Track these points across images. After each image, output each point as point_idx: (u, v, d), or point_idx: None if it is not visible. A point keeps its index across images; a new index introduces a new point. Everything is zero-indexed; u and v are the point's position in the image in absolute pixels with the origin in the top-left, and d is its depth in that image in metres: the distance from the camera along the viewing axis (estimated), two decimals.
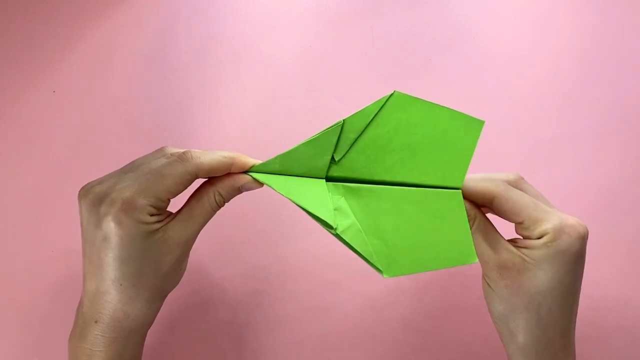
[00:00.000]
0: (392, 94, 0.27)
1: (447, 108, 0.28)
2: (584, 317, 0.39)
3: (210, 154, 0.28)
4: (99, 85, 0.45)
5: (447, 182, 0.29)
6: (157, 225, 0.27)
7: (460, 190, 0.29)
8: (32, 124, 0.44)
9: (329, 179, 0.29)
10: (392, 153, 0.28)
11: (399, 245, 0.28)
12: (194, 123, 0.44)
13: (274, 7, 0.47)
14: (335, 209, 0.28)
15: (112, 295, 0.27)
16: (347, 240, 0.27)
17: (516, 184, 0.30)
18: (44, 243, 0.41)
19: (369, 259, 0.27)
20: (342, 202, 0.28)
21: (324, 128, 0.27)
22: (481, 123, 0.28)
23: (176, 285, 0.30)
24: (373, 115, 0.27)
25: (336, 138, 0.27)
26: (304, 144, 0.28)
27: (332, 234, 0.27)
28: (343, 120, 0.27)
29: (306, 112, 0.44)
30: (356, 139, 0.28)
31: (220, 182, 0.29)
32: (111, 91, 0.45)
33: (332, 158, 0.28)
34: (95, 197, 0.27)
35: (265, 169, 0.28)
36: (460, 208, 0.28)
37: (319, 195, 0.28)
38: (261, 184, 0.29)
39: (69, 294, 0.40)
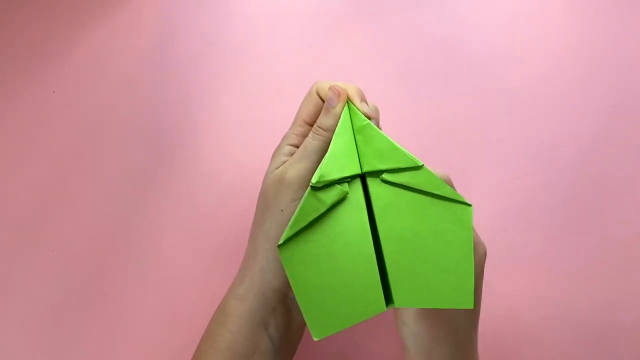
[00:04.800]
0: (469, 206, 0.26)
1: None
2: (580, 317, 0.39)
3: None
4: (99, 85, 0.45)
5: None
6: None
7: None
8: (32, 124, 0.44)
9: (363, 175, 0.27)
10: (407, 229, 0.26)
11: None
12: (194, 123, 0.44)
13: (274, 7, 0.47)
14: (335, 181, 0.26)
15: None
16: (302, 202, 0.26)
17: None
18: (44, 243, 0.41)
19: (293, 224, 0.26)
20: (341, 191, 0.26)
21: (411, 155, 0.26)
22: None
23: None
24: (440, 195, 0.26)
25: (405, 166, 0.26)
26: (389, 141, 0.26)
27: (310, 185, 0.26)
28: (423, 165, 0.26)
29: None
30: (407, 187, 0.26)
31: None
32: (111, 91, 0.45)
33: (382, 171, 0.26)
34: None
35: (355, 115, 0.28)
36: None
37: (347, 160, 0.27)
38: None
39: (69, 293, 0.40)
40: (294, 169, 0.28)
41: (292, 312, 0.30)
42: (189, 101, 0.44)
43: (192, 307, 0.40)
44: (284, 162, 0.30)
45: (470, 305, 0.25)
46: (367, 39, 0.46)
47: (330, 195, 0.26)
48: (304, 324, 0.32)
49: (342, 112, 0.28)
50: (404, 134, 0.42)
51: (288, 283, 0.29)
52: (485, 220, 0.40)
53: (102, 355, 0.39)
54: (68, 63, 0.46)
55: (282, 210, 0.28)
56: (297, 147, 0.31)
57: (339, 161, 0.27)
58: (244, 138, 0.44)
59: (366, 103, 0.29)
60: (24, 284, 0.40)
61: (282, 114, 0.44)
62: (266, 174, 0.30)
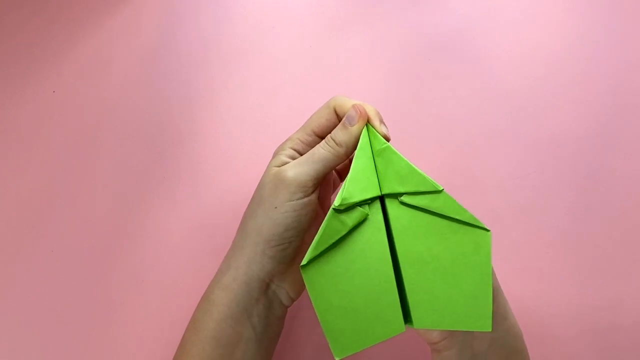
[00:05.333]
0: (487, 231, 0.26)
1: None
2: (581, 317, 0.39)
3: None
4: (99, 85, 0.45)
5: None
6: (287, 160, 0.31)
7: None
8: (32, 124, 0.44)
9: (382, 197, 0.27)
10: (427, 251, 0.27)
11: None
12: (194, 123, 0.44)
13: (274, 7, 0.47)
14: (357, 203, 0.26)
15: None
16: (325, 224, 0.26)
17: None
18: (44, 243, 0.41)
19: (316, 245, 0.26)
20: (362, 213, 0.27)
21: (431, 179, 0.26)
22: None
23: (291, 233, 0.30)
24: (459, 219, 0.26)
25: (424, 190, 0.26)
26: (408, 164, 0.27)
27: (333, 208, 0.26)
28: (443, 189, 0.26)
29: (306, 112, 0.44)
30: (426, 210, 0.26)
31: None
32: (111, 91, 0.45)
33: (402, 194, 0.27)
34: None
35: (373, 136, 0.29)
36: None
37: (367, 182, 0.27)
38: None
39: (69, 293, 0.40)
40: (296, 171, 0.29)
41: (273, 304, 0.31)
42: (189, 101, 0.44)
43: (192, 306, 0.40)
44: (284, 163, 0.30)
45: (488, 329, 0.26)
46: (367, 39, 0.46)
47: (352, 217, 0.26)
48: (284, 315, 0.33)
49: (360, 131, 0.29)
50: (404, 133, 0.42)
51: (272, 275, 0.30)
52: (484, 221, 0.40)
53: (102, 355, 0.39)
54: (68, 63, 0.46)
55: (276, 208, 0.29)
56: (299, 152, 0.31)
57: (360, 184, 0.27)
58: (244, 138, 0.44)
59: (384, 125, 0.30)
60: (24, 284, 0.40)
61: (282, 114, 0.44)
62: (266, 170, 0.31)
